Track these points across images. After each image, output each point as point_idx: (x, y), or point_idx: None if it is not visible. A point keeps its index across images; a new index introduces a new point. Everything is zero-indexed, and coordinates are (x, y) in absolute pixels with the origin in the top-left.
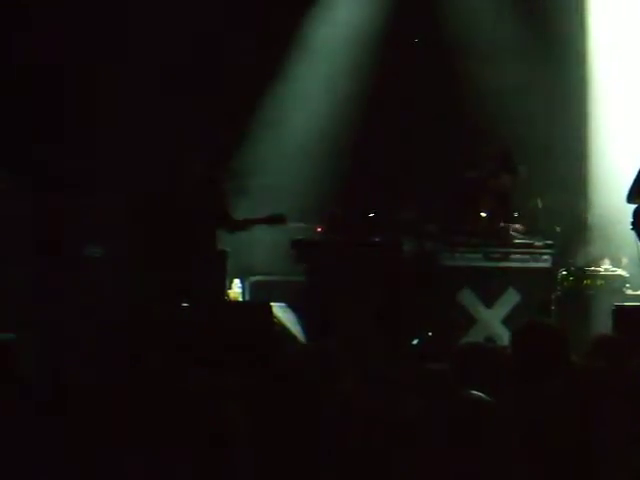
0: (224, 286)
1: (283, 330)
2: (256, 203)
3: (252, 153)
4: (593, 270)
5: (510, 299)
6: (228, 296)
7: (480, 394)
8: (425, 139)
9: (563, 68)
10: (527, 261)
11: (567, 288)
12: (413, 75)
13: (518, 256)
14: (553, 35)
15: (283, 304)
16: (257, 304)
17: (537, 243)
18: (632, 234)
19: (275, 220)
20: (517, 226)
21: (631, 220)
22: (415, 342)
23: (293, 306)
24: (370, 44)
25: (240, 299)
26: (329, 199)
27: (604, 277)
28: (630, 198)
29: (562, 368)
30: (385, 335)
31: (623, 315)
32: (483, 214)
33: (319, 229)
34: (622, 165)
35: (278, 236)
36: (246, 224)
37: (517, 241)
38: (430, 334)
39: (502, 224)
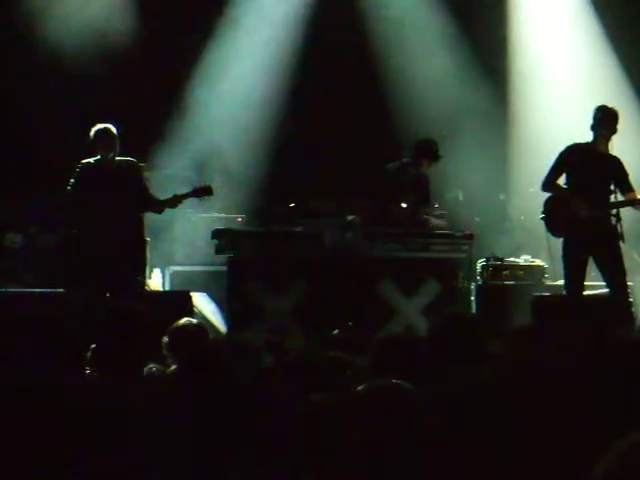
0: (145, 276)
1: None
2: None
3: (176, 144)
4: (512, 261)
5: (430, 289)
6: (148, 286)
7: (400, 382)
8: (347, 131)
9: (488, 61)
10: (447, 251)
11: (486, 278)
12: (335, 67)
13: (438, 247)
14: (479, 27)
15: (204, 294)
16: (177, 294)
17: (457, 234)
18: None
19: (202, 192)
20: (438, 221)
21: (542, 210)
22: (335, 332)
23: (214, 296)
24: (292, 43)
25: (160, 289)
26: (250, 190)
27: (523, 268)
28: (545, 187)
29: (480, 358)
30: (305, 325)
31: (542, 305)
32: (404, 205)
33: (239, 219)
34: (541, 157)
35: (199, 226)
36: (174, 201)
37: (437, 232)
38: (350, 324)
39: (422, 215)
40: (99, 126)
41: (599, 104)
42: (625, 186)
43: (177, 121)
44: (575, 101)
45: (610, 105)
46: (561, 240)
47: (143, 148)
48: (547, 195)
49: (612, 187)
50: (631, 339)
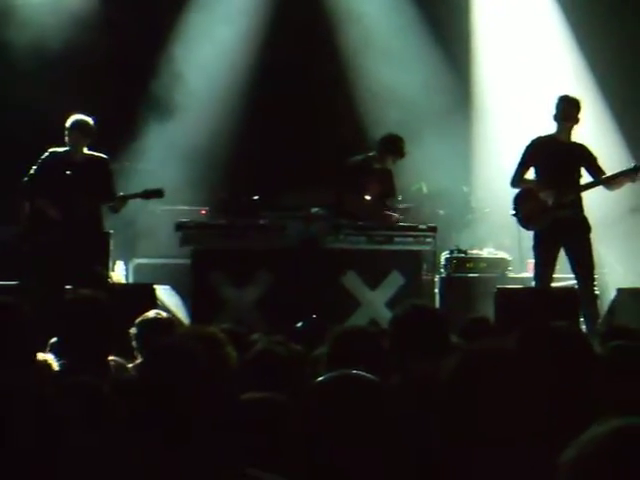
0: (107, 268)
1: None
2: (141, 186)
3: (140, 137)
4: (476, 253)
5: (394, 282)
6: (111, 278)
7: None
8: (314, 123)
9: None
10: (411, 244)
11: (450, 271)
12: (302, 59)
13: (402, 239)
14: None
15: (167, 287)
16: (140, 286)
17: (421, 226)
18: (514, 218)
19: (151, 194)
20: (400, 217)
21: (512, 206)
22: (299, 325)
23: (177, 289)
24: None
25: (123, 282)
26: (214, 182)
27: (487, 260)
28: (513, 183)
29: (442, 350)
30: (270, 317)
31: (505, 297)
32: (368, 197)
33: (203, 212)
34: (505, 150)
35: (162, 218)
36: (122, 200)
37: (401, 224)
38: (314, 317)
39: (387, 207)
40: (74, 117)
41: (562, 94)
42: (596, 170)
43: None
44: (538, 94)
45: (572, 95)
46: (529, 233)
47: (113, 141)
48: (515, 190)
49: (580, 175)
50: (570, 330)
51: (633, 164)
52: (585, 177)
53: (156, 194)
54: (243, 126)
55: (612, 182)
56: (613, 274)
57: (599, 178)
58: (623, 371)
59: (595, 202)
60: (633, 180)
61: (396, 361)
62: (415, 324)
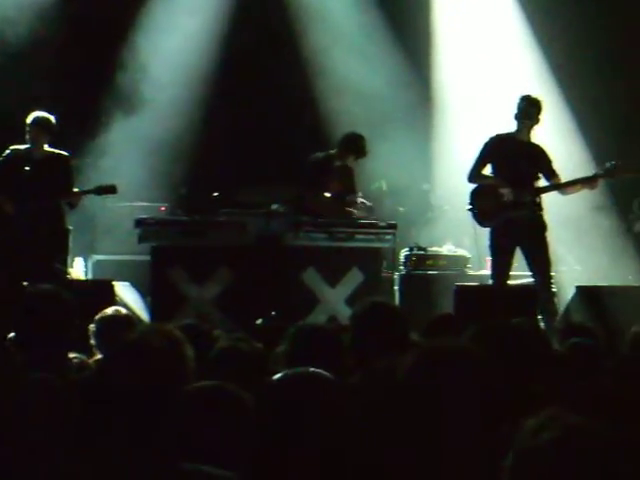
0: (66, 264)
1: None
2: (102, 182)
3: (103, 132)
4: (435, 250)
5: (353, 279)
6: (70, 275)
7: (319, 370)
8: (274, 120)
9: (413, 55)
10: (371, 241)
11: (410, 268)
12: (263, 59)
13: (362, 236)
14: (404, 22)
15: (127, 283)
16: (99, 283)
17: (381, 223)
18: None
19: (104, 190)
20: (360, 214)
21: (469, 200)
22: (259, 322)
23: (137, 285)
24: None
25: (82, 278)
26: (175, 178)
27: (446, 257)
28: (470, 178)
29: (401, 347)
30: (230, 314)
31: (463, 294)
32: (328, 194)
33: (163, 208)
34: (465, 148)
35: (122, 215)
36: (75, 195)
37: (361, 221)
38: (274, 314)
39: (347, 204)
40: (34, 114)
41: (523, 94)
42: (550, 172)
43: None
44: (498, 92)
45: (534, 95)
46: (487, 230)
47: (76, 136)
48: (472, 186)
49: (537, 175)
50: (527, 327)
51: (593, 172)
52: (541, 177)
53: (109, 190)
54: (203, 122)
55: (568, 188)
56: (572, 272)
57: (553, 181)
58: (580, 368)
59: (557, 202)
60: (592, 188)
61: (356, 358)
62: (375, 321)
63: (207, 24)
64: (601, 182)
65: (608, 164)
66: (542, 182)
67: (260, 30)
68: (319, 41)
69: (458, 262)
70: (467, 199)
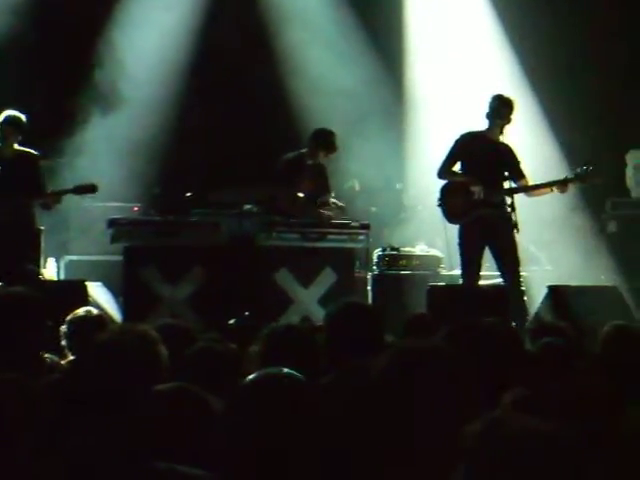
0: (39, 265)
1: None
2: (76, 182)
3: (78, 130)
4: (408, 250)
5: (326, 279)
6: (43, 275)
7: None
8: (248, 119)
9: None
10: (344, 241)
11: (383, 268)
12: (238, 56)
13: (335, 236)
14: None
15: (99, 283)
16: (72, 283)
17: (353, 224)
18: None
19: (83, 190)
20: (333, 214)
21: (438, 196)
22: (232, 322)
23: (110, 286)
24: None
25: (55, 278)
26: (147, 178)
27: (419, 257)
28: (440, 174)
29: (375, 347)
30: (203, 314)
31: (437, 294)
32: (301, 194)
33: (135, 208)
34: (438, 146)
35: (94, 215)
36: (53, 196)
37: (334, 222)
38: (247, 314)
39: (320, 204)
40: (5, 112)
41: (496, 93)
42: (517, 173)
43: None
44: (471, 92)
45: (506, 94)
46: (458, 229)
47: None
48: (443, 183)
49: (504, 175)
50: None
51: (564, 175)
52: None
53: (88, 190)
54: (178, 120)
55: (537, 191)
56: (543, 272)
57: (520, 183)
58: (552, 368)
59: (529, 202)
60: (562, 191)
61: (330, 358)
62: (349, 321)
63: (183, 20)
64: (572, 186)
65: (579, 169)
66: (510, 181)
67: (236, 27)
68: (294, 38)
69: (431, 262)
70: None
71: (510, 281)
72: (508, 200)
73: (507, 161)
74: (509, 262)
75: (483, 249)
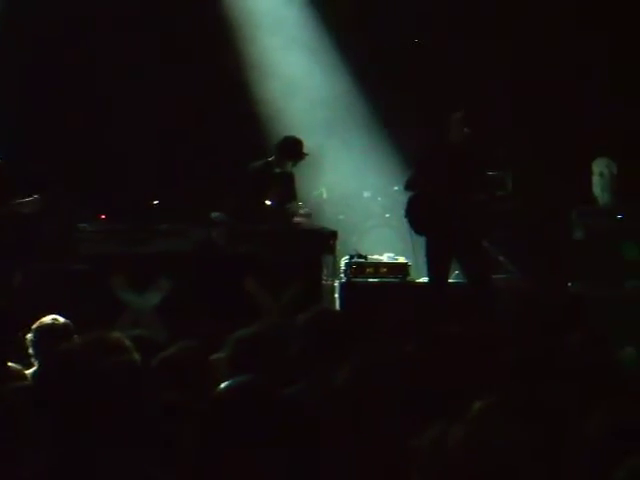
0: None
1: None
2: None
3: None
4: (376, 258)
5: (295, 287)
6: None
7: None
8: (212, 128)
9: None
10: (311, 249)
11: (350, 276)
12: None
13: (302, 244)
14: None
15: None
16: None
17: (321, 231)
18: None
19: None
20: (301, 219)
21: (405, 207)
22: (201, 329)
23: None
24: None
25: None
26: (114, 187)
27: (387, 265)
28: (407, 187)
29: (345, 354)
30: (170, 322)
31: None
32: (268, 202)
33: (103, 217)
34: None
35: (65, 224)
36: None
37: (301, 229)
38: (215, 321)
39: (287, 212)
40: None
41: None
42: (482, 180)
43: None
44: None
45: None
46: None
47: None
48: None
49: (471, 181)
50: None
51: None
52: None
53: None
54: (145, 129)
55: (499, 202)
56: (511, 280)
57: (485, 190)
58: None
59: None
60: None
61: (301, 366)
62: (321, 328)
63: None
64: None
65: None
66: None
67: (203, 31)
68: (266, 44)
69: (399, 270)
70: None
71: (478, 289)
72: (474, 207)
73: (473, 165)
74: (477, 270)
75: (450, 257)
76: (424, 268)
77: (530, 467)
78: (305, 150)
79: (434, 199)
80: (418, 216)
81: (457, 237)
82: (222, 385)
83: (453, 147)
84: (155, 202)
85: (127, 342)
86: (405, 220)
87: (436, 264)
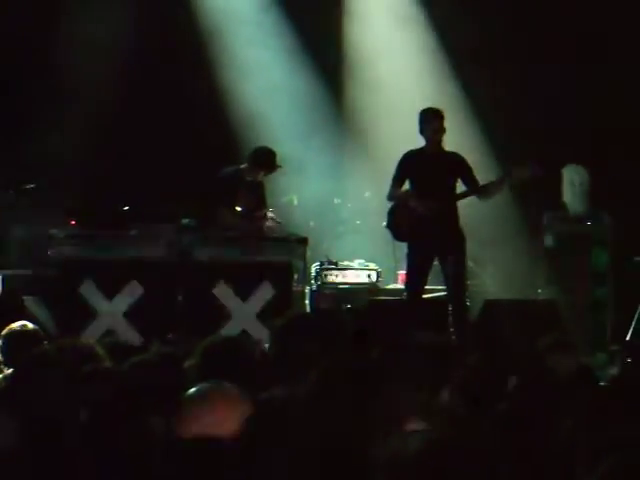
0: None
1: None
2: None
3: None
4: (346, 264)
5: (264, 293)
6: None
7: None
8: (183, 134)
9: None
10: (281, 255)
11: (320, 282)
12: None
13: (272, 250)
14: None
15: (35, 297)
16: (7, 297)
17: (291, 238)
18: (385, 230)
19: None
20: (271, 225)
21: (387, 218)
22: (170, 336)
23: (47, 299)
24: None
25: None
26: (84, 192)
27: (357, 271)
28: (389, 198)
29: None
30: (140, 329)
31: (376, 309)
32: (238, 208)
33: (72, 222)
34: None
35: (34, 230)
36: None
37: (272, 235)
38: (184, 328)
39: (257, 219)
40: None
41: (422, 108)
42: (470, 180)
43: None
44: (407, 105)
45: (433, 107)
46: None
47: None
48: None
49: (454, 186)
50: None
51: (501, 174)
52: (460, 187)
53: None
54: (114, 133)
55: (483, 192)
56: (483, 286)
57: (471, 187)
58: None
59: (469, 214)
60: (500, 189)
61: (275, 372)
62: (296, 334)
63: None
64: (506, 186)
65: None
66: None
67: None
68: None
69: (369, 276)
70: (380, 213)
71: (454, 296)
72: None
73: (456, 170)
74: (455, 277)
75: (430, 264)
76: (397, 274)
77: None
78: (278, 162)
79: (411, 206)
80: (399, 223)
81: (439, 245)
82: (189, 391)
83: (430, 151)
84: (125, 207)
85: (99, 349)
86: (378, 225)
87: (414, 270)
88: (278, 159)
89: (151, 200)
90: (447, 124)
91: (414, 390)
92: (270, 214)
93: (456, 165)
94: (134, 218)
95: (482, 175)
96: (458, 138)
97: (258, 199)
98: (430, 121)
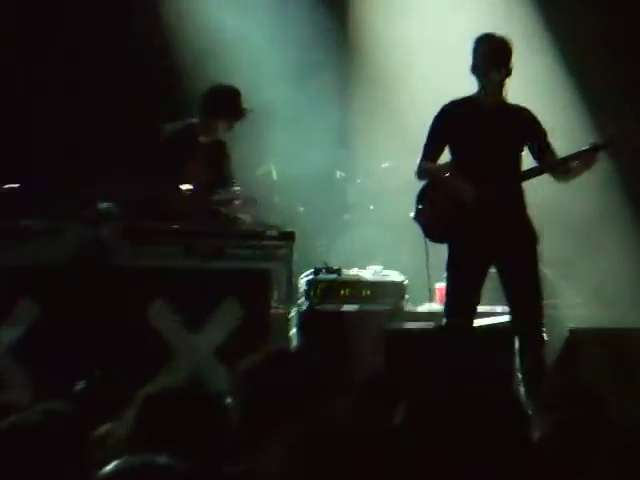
0: None
1: None
2: None
3: None
4: (354, 274)
5: (227, 317)
6: None
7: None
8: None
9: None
10: (254, 259)
11: (315, 301)
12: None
13: (241, 251)
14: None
15: None
16: None
17: (269, 232)
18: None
19: None
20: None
21: (415, 205)
22: (80, 385)
23: None
24: None
25: None
26: None
27: (371, 285)
28: (419, 173)
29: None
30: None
31: (397, 343)
32: (189, 186)
33: None
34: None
35: None
36: None
37: (240, 228)
38: (100, 373)
39: (218, 201)
40: None
41: (481, 34)
42: (543, 148)
43: None
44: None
45: (498, 34)
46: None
47: None
48: (421, 183)
49: (519, 155)
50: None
51: (591, 143)
52: (527, 159)
53: None
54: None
55: (563, 169)
56: (569, 308)
57: (546, 162)
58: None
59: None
60: (589, 166)
61: (244, 437)
62: (277, 381)
63: None
64: (601, 157)
65: (610, 131)
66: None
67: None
68: None
69: (390, 292)
70: (407, 196)
71: (524, 320)
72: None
73: (523, 134)
74: (524, 292)
75: (484, 276)
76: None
77: None
78: (245, 105)
79: (459, 189)
80: (434, 216)
81: (497, 246)
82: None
83: (484, 103)
84: (13, 185)
85: None
86: (413, 219)
87: (460, 283)
88: (246, 102)
89: (53, 176)
90: (516, 62)
91: None
92: (237, 194)
93: (524, 126)
94: (27, 204)
95: (564, 143)
96: (532, 86)
97: (219, 171)
98: (491, 55)
